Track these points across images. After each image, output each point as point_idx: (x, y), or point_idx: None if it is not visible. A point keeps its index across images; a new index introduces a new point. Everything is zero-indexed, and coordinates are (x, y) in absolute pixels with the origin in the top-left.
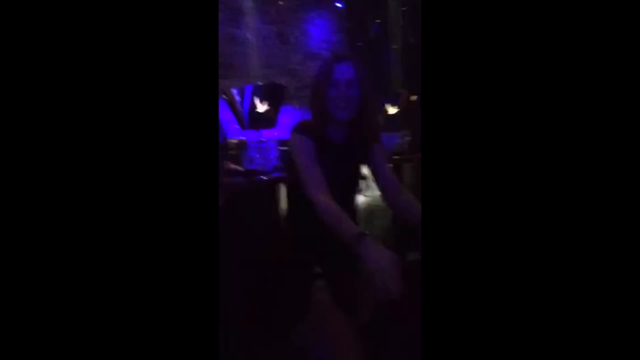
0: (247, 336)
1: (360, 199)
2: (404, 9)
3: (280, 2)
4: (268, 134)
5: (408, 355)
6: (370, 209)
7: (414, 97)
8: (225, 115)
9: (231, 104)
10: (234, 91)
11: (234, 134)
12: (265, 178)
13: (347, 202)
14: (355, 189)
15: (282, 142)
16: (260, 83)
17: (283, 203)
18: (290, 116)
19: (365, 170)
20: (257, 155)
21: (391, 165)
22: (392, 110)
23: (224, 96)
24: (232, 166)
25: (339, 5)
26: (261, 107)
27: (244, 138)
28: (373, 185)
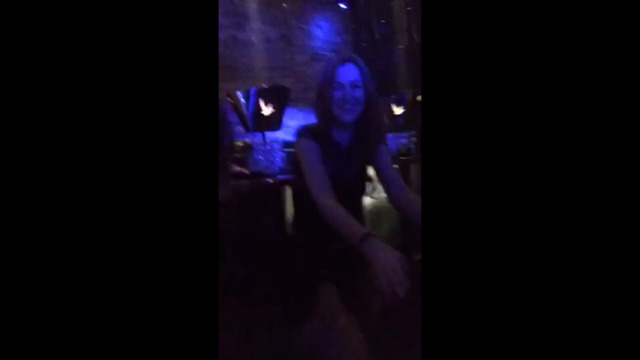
0: (252, 338)
1: (367, 201)
2: (409, 8)
3: (284, 5)
4: (273, 137)
5: (414, 355)
6: (377, 210)
7: (419, 97)
8: (230, 117)
9: (236, 106)
10: (239, 94)
11: (240, 137)
12: (270, 181)
13: (353, 203)
14: (361, 191)
15: (287, 145)
16: (264, 85)
17: (289, 205)
18: (295, 118)
19: (371, 171)
20: (263, 158)
21: (397, 166)
22: (398, 110)
23: (229, 99)
24: (238, 169)
25: (343, 6)
26: (266, 110)
27: (249, 140)
28: (379, 186)
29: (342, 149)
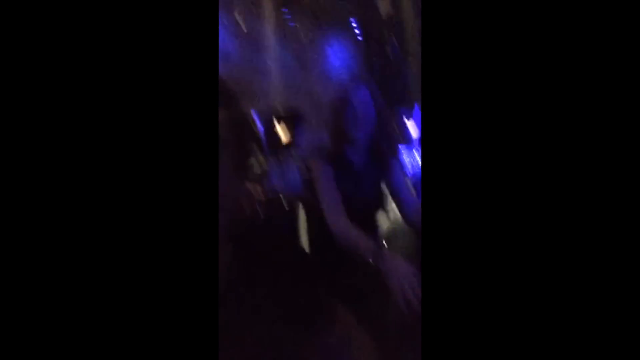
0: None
1: (382, 217)
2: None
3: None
4: (287, 156)
5: None
6: (392, 226)
7: None
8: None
9: (251, 127)
10: (254, 115)
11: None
12: (285, 200)
13: (368, 221)
14: (376, 208)
15: (301, 165)
16: (279, 107)
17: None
18: (309, 139)
19: (384, 187)
20: (278, 178)
21: (410, 178)
22: (411, 123)
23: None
24: (253, 188)
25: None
26: (280, 131)
27: (264, 161)
28: (393, 202)
29: (355, 167)
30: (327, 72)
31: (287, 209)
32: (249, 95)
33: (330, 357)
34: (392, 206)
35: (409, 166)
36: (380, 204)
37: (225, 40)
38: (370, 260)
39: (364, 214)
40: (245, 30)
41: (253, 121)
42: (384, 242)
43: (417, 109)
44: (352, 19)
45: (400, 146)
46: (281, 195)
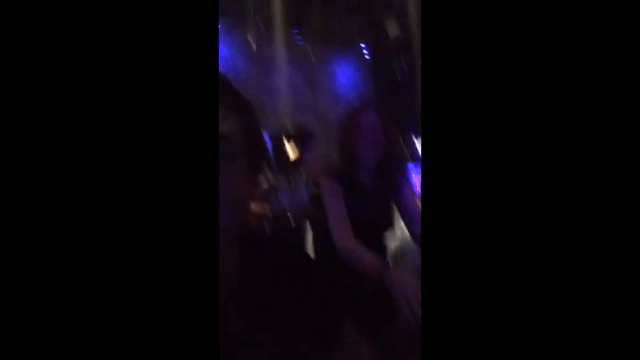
0: None
1: (390, 236)
2: None
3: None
4: (296, 177)
5: None
6: (401, 244)
7: None
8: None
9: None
10: (265, 135)
11: (263, 176)
12: (293, 219)
13: (377, 240)
14: (385, 227)
15: (311, 185)
16: (289, 127)
17: (311, 244)
18: (318, 159)
19: (393, 205)
20: (286, 198)
21: (419, 197)
22: (419, 142)
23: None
24: (261, 207)
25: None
26: (290, 151)
27: (273, 180)
28: (402, 220)
29: (365, 188)
30: (336, 91)
31: (293, 225)
32: (259, 112)
33: None
34: (401, 224)
35: (418, 184)
36: (389, 223)
37: (236, 59)
38: (376, 276)
39: (372, 232)
40: (255, 50)
41: (262, 138)
42: (389, 261)
43: None
44: (360, 43)
45: (408, 165)
46: (288, 213)
